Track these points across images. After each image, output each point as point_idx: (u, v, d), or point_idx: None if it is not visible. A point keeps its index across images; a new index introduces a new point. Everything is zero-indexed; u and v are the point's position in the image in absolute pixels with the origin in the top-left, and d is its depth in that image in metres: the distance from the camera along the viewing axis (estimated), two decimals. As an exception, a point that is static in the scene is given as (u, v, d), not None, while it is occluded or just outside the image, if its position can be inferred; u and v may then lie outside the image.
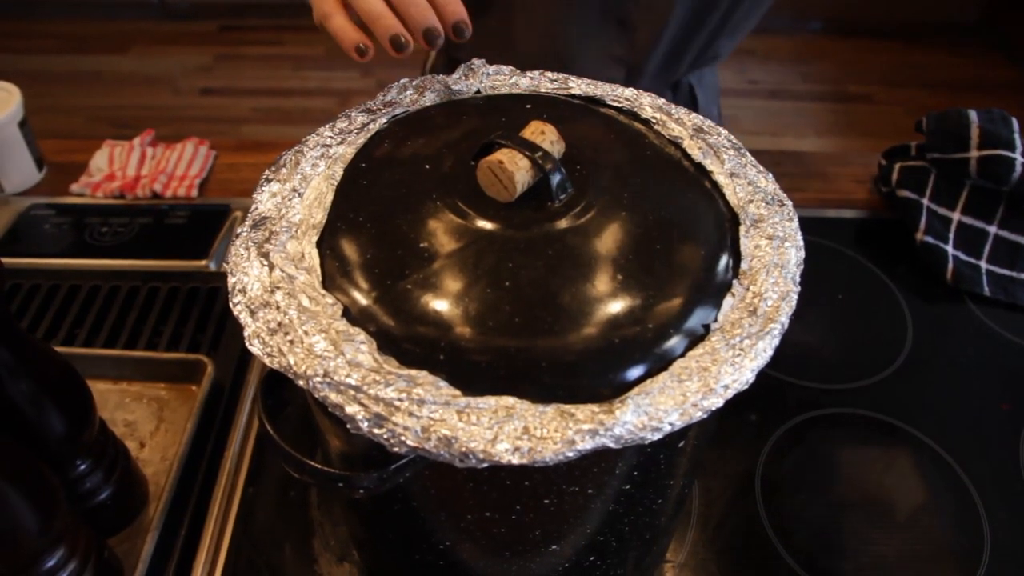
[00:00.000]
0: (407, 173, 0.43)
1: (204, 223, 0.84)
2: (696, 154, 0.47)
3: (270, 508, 0.60)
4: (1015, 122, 0.82)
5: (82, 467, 0.53)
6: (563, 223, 0.39)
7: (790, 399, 0.68)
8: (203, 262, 0.79)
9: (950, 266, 0.79)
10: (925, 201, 0.83)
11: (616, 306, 0.36)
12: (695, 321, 0.37)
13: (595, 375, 0.35)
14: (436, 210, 0.40)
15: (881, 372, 0.71)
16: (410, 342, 0.35)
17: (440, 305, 0.36)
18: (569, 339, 0.35)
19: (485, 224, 0.39)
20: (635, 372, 0.35)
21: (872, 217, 0.89)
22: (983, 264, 0.81)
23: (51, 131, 0.94)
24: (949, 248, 0.81)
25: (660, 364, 0.35)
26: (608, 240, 0.39)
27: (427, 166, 0.43)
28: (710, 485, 0.62)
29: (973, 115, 0.82)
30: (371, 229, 0.40)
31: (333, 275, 0.38)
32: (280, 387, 0.40)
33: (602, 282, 0.37)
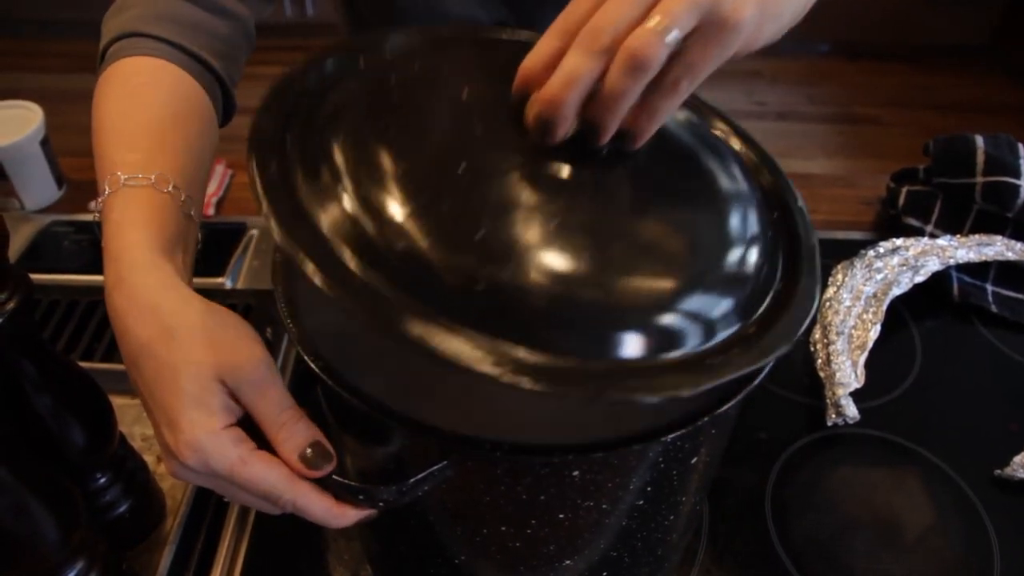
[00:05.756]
0: (446, 98, 0.41)
1: (221, 241, 0.85)
2: (736, 144, 0.46)
3: (285, 523, 0.60)
4: (1021, 148, 0.83)
5: (102, 480, 0.54)
6: (606, 169, 0.38)
7: (800, 419, 0.69)
8: (220, 279, 0.80)
9: (956, 285, 0.80)
10: (928, 228, 0.84)
11: (656, 265, 0.35)
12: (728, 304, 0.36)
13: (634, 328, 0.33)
14: (477, 138, 0.38)
15: (890, 393, 0.72)
16: (448, 271, 0.32)
17: (479, 233, 0.33)
18: (612, 292, 0.34)
19: (526, 160, 0.37)
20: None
21: (880, 238, 0.89)
22: (989, 286, 0.81)
23: (66, 149, 0.95)
24: (954, 272, 0.81)
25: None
26: (651, 193, 0.38)
27: (467, 88, 0.41)
28: (721, 503, 0.62)
29: (980, 141, 0.82)
30: (405, 140, 0.37)
31: (361, 180, 0.35)
32: (299, 403, 0.41)
33: (646, 232, 0.36)
